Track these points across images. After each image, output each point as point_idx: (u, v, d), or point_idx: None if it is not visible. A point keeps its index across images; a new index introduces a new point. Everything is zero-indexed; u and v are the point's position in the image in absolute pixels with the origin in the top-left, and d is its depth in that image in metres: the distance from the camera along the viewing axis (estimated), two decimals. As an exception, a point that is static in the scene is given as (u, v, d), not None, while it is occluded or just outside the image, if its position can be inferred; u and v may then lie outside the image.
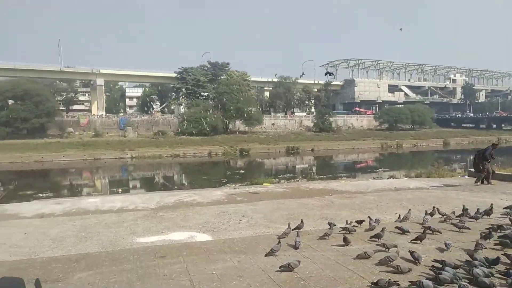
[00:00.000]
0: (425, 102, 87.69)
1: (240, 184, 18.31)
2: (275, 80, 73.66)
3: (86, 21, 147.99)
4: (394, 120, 67.16)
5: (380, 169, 30.31)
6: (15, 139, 42.92)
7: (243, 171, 32.33)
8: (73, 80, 72.75)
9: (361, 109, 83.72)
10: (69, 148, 41.32)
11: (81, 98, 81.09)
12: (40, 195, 19.11)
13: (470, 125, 78.91)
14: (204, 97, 66.67)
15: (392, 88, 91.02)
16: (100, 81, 65.60)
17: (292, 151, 47.93)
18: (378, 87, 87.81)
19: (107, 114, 62.38)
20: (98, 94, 66.13)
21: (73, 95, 75.88)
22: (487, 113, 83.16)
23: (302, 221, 6.38)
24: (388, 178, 18.23)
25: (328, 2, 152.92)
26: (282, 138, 55.53)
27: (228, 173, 30.06)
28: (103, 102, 67.21)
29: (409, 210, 7.25)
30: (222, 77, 64.64)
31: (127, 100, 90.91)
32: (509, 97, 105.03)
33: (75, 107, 77.06)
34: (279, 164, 40.56)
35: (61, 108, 51.97)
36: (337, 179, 21.55)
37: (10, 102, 46.52)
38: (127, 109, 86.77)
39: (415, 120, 68.31)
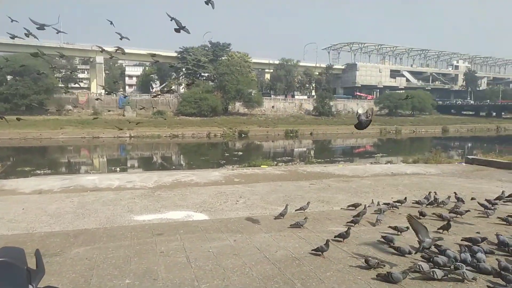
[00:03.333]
0: (426, 88, 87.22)
1: (238, 165, 18.37)
2: (277, 62, 73.03)
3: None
4: (394, 106, 66.97)
5: (378, 154, 30.41)
6: (14, 115, 42.75)
7: (241, 153, 32.40)
8: (73, 57, 71.90)
9: (361, 94, 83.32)
10: (68, 126, 41.26)
11: (80, 75, 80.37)
12: (38, 171, 19.20)
13: (470, 113, 78.85)
14: (204, 78, 66.10)
15: (394, 73, 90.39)
16: (99, 59, 64.90)
17: (291, 134, 47.95)
18: (380, 71, 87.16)
19: (106, 92, 61.93)
20: (98, 72, 65.55)
21: (72, 72, 75.19)
22: (488, 100, 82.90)
23: (308, 203, 6.44)
24: (385, 163, 18.32)
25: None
26: (282, 121, 55.48)
27: (227, 154, 30.15)
28: (102, 80, 66.68)
29: (405, 197, 7.28)
30: (223, 58, 64.01)
31: (126, 78, 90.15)
32: (511, 85, 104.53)
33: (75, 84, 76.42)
34: (277, 147, 40.64)
35: (60, 85, 51.47)
36: (335, 163, 21.67)
37: (9, 78, 46.11)
38: (127, 88, 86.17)
39: (415, 106, 68.12)
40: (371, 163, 19.78)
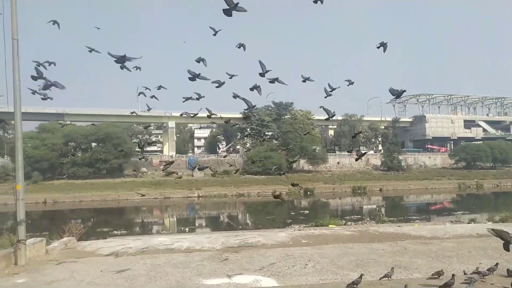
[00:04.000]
0: (507, 138, 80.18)
1: (304, 225, 17.89)
2: (340, 118, 72.88)
3: (158, 70, 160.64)
4: (472, 158, 62.01)
5: (459, 212, 27.81)
6: (96, 179, 46.81)
7: (307, 211, 31.64)
8: (148, 123, 78.50)
9: (433, 146, 78.87)
10: (142, 187, 43.91)
11: (154, 139, 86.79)
12: (116, 232, 20.32)
13: None
14: (268, 137, 67.63)
15: (468, 124, 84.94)
16: (171, 124, 70.01)
17: (359, 191, 46.10)
18: (452, 122, 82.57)
19: (177, 154, 65.81)
20: (170, 136, 70.42)
21: (148, 137, 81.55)
22: None
23: (392, 269, 5.97)
24: (468, 222, 16.62)
25: (394, 38, 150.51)
26: (348, 177, 53.89)
27: (292, 213, 29.61)
28: (173, 143, 71.27)
29: (496, 263, 6.39)
30: (286, 117, 65.48)
31: (195, 140, 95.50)
32: None
33: (149, 148, 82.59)
34: (345, 204, 39.12)
35: (136, 149, 56.00)
36: (410, 222, 20.17)
37: (93, 144, 51.29)
38: (195, 149, 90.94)
39: (496, 158, 62.47)
40: (451, 222, 18.05)
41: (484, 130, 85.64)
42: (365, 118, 70.73)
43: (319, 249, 8.82)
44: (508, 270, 6.06)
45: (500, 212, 19.97)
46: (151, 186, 44.73)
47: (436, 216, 27.93)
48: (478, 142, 73.47)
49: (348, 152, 65.65)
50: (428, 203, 39.33)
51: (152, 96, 9.46)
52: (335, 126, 75.30)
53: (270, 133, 67.59)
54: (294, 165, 58.29)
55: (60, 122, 51.18)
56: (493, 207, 32.25)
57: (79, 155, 49.31)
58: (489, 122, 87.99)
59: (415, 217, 24.89)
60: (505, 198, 41.22)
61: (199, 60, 6.87)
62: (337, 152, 69.23)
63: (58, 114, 59.66)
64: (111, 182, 45.89)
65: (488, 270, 5.99)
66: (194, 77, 6.62)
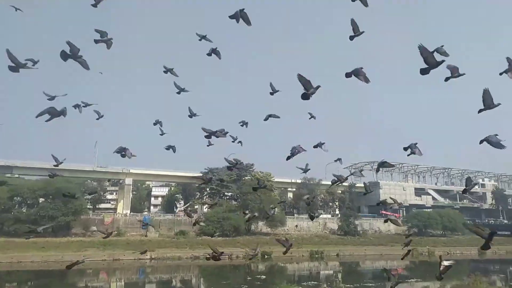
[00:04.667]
0: (455, 207, 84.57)
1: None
2: (299, 181, 74.15)
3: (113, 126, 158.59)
4: (424, 225, 64.32)
5: (412, 279, 28.22)
6: (39, 238, 43.28)
7: (264, 276, 30.76)
8: (104, 179, 75.65)
9: (387, 213, 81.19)
10: (90, 247, 41.11)
11: (109, 196, 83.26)
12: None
13: (506, 233, 74.25)
14: (227, 197, 67.02)
15: (419, 192, 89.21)
16: (128, 181, 67.92)
17: (316, 256, 45.78)
18: (404, 190, 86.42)
19: (131, 213, 63.11)
20: (125, 193, 67.91)
21: (102, 194, 78.14)
22: (523, 219, 78.84)
23: None
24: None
25: (352, 108, 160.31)
26: (306, 241, 53.64)
27: (249, 278, 28.68)
28: (129, 201, 68.61)
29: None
30: (247, 178, 65.74)
31: (152, 199, 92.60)
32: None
33: (102, 205, 78.74)
34: (302, 269, 38.53)
35: (88, 207, 53.14)
36: (365, 289, 20.16)
37: (41, 200, 48.13)
38: (152, 208, 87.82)
39: (446, 226, 65.15)
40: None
41: (434, 198, 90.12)
42: (323, 182, 72.44)
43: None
44: None
45: (451, 280, 20.56)
46: (99, 246, 41.99)
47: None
48: (429, 209, 76.88)
49: (311, 218, 66.16)
50: (383, 269, 39.55)
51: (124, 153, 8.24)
52: (294, 189, 76.32)
53: (229, 194, 67.13)
54: (253, 227, 57.54)
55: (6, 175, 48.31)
56: (444, 275, 32.98)
57: (24, 211, 46.05)
58: (437, 191, 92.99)
59: (370, 284, 24.91)
60: (455, 266, 42.40)
61: (210, 52, 6.91)
62: (295, 215, 69.43)
63: (5, 166, 56.45)
64: (55, 242, 42.57)
65: None
66: (210, 135, 6.65)
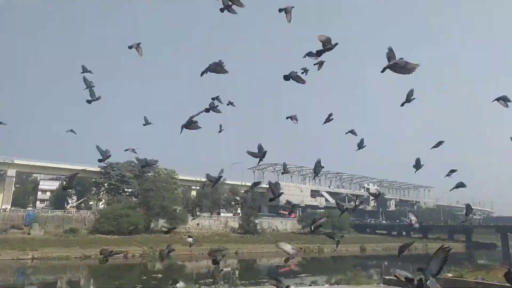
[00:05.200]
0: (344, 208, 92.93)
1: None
2: (203, 179, 73.95)
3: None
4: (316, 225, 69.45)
5: (303, 274, 30.29)
6: None
7: (161, 275, 30.05)
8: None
9: (285, 212, 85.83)
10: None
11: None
12: None
13: (384, 232, 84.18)
14: (127, 194, 63.83)
15: (314, 193, 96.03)
16: (11, 172, 60.32)
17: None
18: (301, 191, 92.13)
19: (13, 208, 56.11)
20: (6, 186, 60.13)
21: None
22: (397, 220, 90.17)
23: None
24: (310, 285, 18.30)
25: (258, 112, 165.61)
26: (206, 239, 53.71)
27: (144, 277, 27.75)
28: (10, 195, 60.91)
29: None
30: (149, 174, 63.42)
31: (39, 193, 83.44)
32: (415, 206, 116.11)
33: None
34: (201, 267, 38.60)
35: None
36: (260, 284, 21.04)
37: None
38: (38, 203, 79.06)
39: (335, 225, 71.22)
40: (295, 284, 19.58)
41: (326, 199, 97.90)
42: (227, 182, 73.43)
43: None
44: None
45: (336, 275, 22.52)
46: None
47: (284, 278, 29.73)
48: (321, 210, 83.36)
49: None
50: (278, 266, 41.72)
51: None
52: (198, 187, 75.92)
53: (130, 190, 64.05)
54: (153, 225, 55.71)
55: None
56: (331, 270, 36.04)
57: None
58: (330, 193, 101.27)
59: (265, 280, 26.06)
60: (340, 261, 46.66)
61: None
62: (198, 213, 69.05)
63: None
64: None
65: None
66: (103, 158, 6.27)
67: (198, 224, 63.31)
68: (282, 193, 5.16)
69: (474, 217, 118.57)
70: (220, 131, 7.76)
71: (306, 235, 67.12)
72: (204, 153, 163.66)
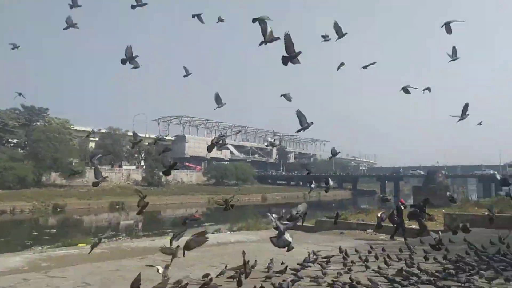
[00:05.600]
0: (248, 161, 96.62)
1: (49, 246, 15.82)
2: (103, 130, 69.18)
3: None
4: (221, 176, 71.26)
5: (207, 223, 31.13)
6: None
7: (54, 230, 28.14)
8: None
9: (191, 165, 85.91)
10: None
11: None
12: None
13: (283, 182, 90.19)
14: (12, 145, 56.97)
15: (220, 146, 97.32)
16: None
17: (117, 206, 44.77)
18: (207, 144, 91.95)
19: None
20: None
21: None
22: (296, 172, 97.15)
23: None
24: (213, 233, 18.85)
25: (166, 61, 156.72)
26: (107, 192, 51.36)
27: (35, 233, 25.71)
28: None
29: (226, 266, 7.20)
30: (39, 123, 57.04)
31: None
32: (312, 159, 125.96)
33: None
34: (100, 220, 37.18)
35: None
36: (164, 235, 21.06)
37: None
38: None
39: (239, 177, 73.93)
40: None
41: (231, 152, 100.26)
42: (129, 133, 69.97)
43: (62, 271, 7.96)
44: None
45: (238, 223, 23.56)
46: None
47: (189, 228, 30.25)
48: (226, 162, 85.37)
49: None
50: (182, 217, 42.16)
51: None
52: (97, 139, 70.96)
53: (15, 140, 57.21)
54: (44, 178, 51.09)
55: None
56: (235, 219, 37.64)
57: None
58: (235, 146, 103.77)
59: (169, 230, 26.19)
60: (243, 210, 48.88)
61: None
62: (98, 166, 65.10)
63: None
64: None
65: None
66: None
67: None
68: (301, 52, 4.60)
69: (360, 167, 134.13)
70: (186, 75, 7.29)
71: (212, 187, 68.62)
72: (103, 102, 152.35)
